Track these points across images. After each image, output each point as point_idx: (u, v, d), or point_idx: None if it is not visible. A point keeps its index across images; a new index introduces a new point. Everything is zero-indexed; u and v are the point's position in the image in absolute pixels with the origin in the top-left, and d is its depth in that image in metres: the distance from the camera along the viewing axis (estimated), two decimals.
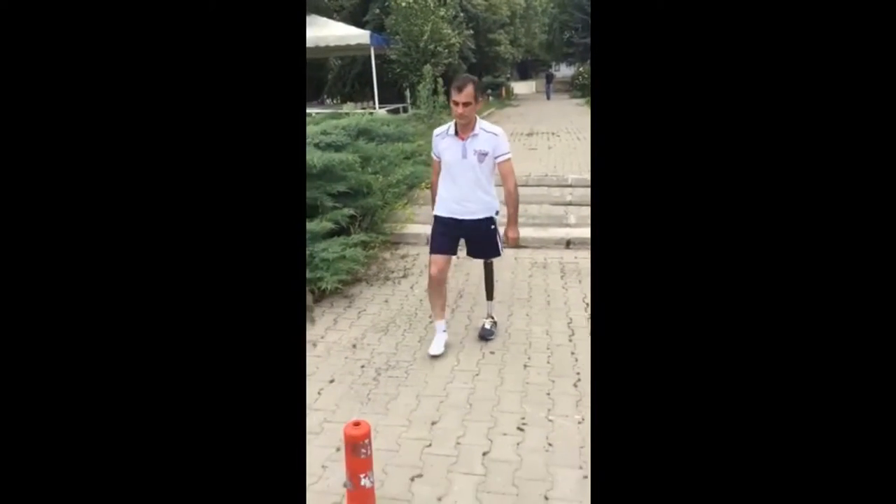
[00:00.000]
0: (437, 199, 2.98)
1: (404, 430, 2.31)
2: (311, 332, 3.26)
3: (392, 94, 14.43)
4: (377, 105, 12.28)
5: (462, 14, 14.87)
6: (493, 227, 2.96)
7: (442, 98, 10.27)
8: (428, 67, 11.03)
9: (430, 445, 2.21)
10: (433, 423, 2.35)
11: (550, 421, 2.35)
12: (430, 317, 3.21)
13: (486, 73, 20.40)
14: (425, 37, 12.28)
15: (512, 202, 2.90)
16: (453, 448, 2.19)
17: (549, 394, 2.55)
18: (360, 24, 14.13)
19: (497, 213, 2.95)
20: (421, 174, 5.57)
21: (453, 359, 2.90)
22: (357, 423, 1.75)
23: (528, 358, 2.90)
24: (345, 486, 1.80)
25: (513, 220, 2.92)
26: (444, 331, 3.02)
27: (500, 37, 17.76)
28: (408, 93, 12.73)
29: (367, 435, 1.74)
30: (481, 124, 2.85)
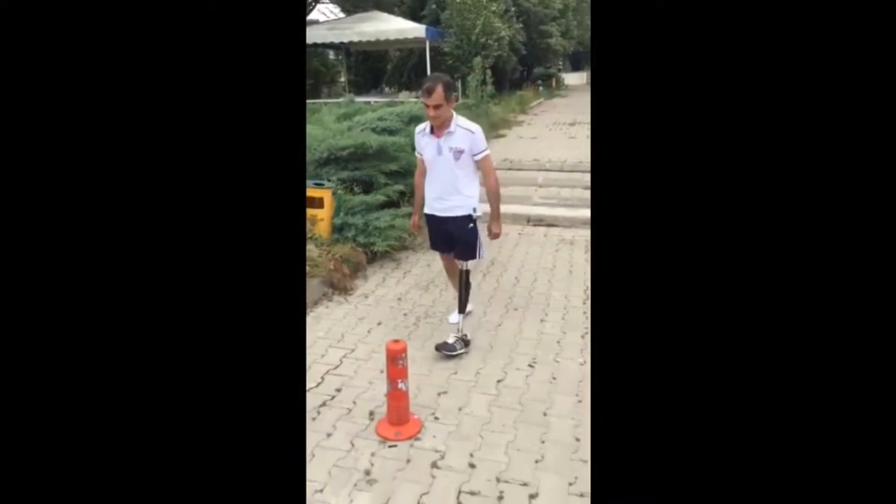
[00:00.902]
0: (425, 197, 3.02)
1: (435, 361, 2.83)
2: (364, 287, 3.83)
3: None
4: None
5: (513, 8, 15.11)
6: (471, 225, 2.90)
7: (490, 88, 10.69)
8: (478, 59, 11.43)
9: (455, 373, 2.72)
10: (459, 358, 2.87)
11: (557, 362, 2.80)
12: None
13: (537, 64, 20.61)
14: (477, 30, 12.64)
15: (494, 198, 2.89)
16: (474, 376, 2.69)
17: (559, 342, 3.01)
18: (417, 19, 14.62)
19: (475, 210, 2.89)
20: None
21: (480, 312, 3.39)
22: (396, 341, 2.27)
23: (546, 314, 3.36)
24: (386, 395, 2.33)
25: (495, 215, 2.93)
26: None
27: (551, 29, 17.82)
28: (459, 83, 13.21)
29: (404, 350, 2.24)
30: (458, 122, 2.82)
